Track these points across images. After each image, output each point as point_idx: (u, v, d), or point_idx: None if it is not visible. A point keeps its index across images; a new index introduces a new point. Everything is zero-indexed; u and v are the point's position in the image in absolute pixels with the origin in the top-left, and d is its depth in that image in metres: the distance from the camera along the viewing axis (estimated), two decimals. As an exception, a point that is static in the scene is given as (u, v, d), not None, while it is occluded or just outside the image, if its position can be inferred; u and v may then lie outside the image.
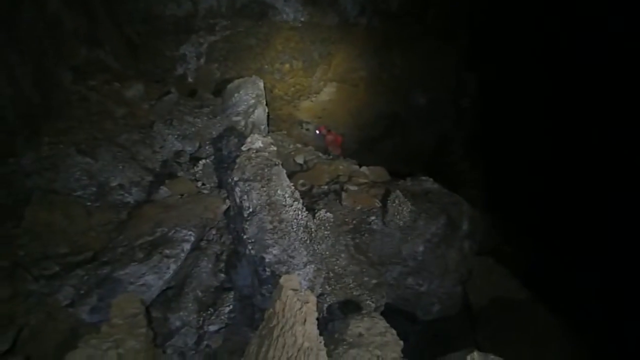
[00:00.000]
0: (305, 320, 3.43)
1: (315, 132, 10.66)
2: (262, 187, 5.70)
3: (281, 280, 3.76)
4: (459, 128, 11.31)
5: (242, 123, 8.42)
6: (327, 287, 5.58)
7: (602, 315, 6.32)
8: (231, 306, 5.34)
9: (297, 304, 3.51)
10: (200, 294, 5.42)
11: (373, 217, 6.79)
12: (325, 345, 3.57)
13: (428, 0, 11.83)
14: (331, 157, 9.69)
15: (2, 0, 6.33)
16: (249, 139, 6.37)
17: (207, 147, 8.02)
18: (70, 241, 5.74)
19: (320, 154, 8.98)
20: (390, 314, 5.25)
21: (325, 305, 5.43)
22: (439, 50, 11.59)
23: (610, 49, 8.08)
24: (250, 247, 5.36)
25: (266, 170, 5.89)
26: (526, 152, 9.32)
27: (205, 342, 4.98)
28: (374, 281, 5.97)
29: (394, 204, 6.69)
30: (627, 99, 7.59)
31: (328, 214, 6.61)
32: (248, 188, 5.72)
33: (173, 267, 5.36)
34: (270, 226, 5.41)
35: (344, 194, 7.09)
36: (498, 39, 10.51)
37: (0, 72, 6.10)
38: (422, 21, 11.86)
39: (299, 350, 3.33)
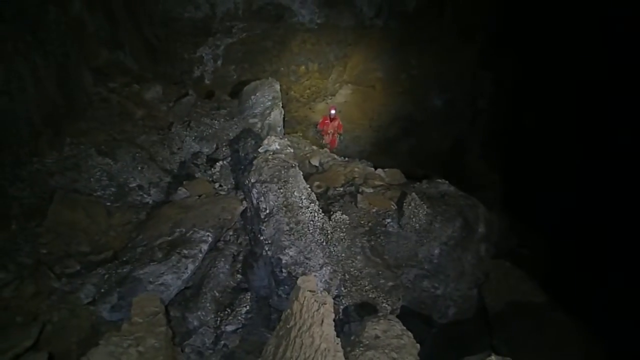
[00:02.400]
0: (322, 322, 3.46)
1: (330, 112, 10.21)
2: (279, 188, 5.75)
3: (299, 282, 3.80)
4: (475, 129, 11.25)
5: (259, 125, 8.49)
6: (343, 289, 5.59)
7: (621, 319, 6.22)
8: (248, 307, 5.39)
9: (315, 305, 3.54)
10: (217, 294, 5.49)
11: (389, 220, 6.80)
12: (342, 347, 3.59)
13: (445, 1, 11.78)
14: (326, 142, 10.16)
15: (28, 2, 6.48)
16: (265, 141, 6.43)
17: (224, 149, 8.12)
18: (92, 240, 5.87)
19: (336, 157, 9.01)
20: (406, 316, 5.22)
21: (342, 307, 5.44)
22: (455, 51, 11.56)
23: (631, 47, 7.96)
24: (267, 248, 5.41)
25: (283, 172, 5.93)
26: (543, 153, 9.22)
27: (222, 342, 5.03)
28: (390, 283, 5.96)
29: (410, 207, 6.69)
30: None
31: (344, 216, 6.63)
32: (265, 190, 5.77)
33: (191, 267, 5.43)
34: (287, 227, 5.45)
35: (359, 196, 7.11)
36: (515, 38, 10.42)
37: (25, 73, 6.24)
38: (439, 22, 11.85)
39: (316, 351, 3.36)
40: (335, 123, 10.17)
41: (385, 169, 8.44)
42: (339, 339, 3.54)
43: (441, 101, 11.63)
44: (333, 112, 10.07)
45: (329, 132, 10.24)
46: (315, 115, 11.44)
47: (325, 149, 9.96)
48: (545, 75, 9.66)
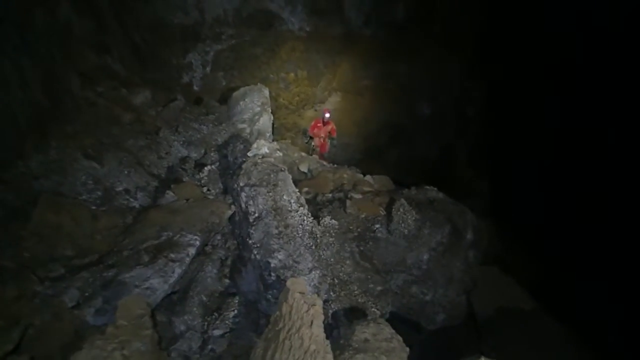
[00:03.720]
0: (312, 323, 3.42)
1: (324, 115, 9.86)
2: (268, 192, 5.72)
3: (288, 283, 3.76)
4: (463, 137, 11.33)
5: (248, 130, 8.48)
6: (332, 293, 5.56)
7: (608, 323, 6.27)
8: (236, 311, 5.33)
9: (304, 307, 3.51)
10: (205, 298, 5.42)
11: (378, 225, 6.79)
12: (331, 350, 3.55)
13: (433, 10, 11.93)
14: (316, 146, 9.95)
15: (14, 4, 6.41)
16: (254, 145, 6.42)
17: (212, 154, 8.07)
18: (76, 244, 5.75)
19: (325, 163, 9.01)
20: (395, 322, 5.19)
21: (331, 311, 5.40)
22: (443, 60, 11.68)
23: (614, 54, 8.14)
24: (255, 252, 5.36)
25: (272, 175, 5.92)
26: (530, 161, 9.32)
27: (209, 346, 4.96)
28: (379, 288, 5.94)
29: (399, 212, 6.69)
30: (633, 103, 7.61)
31: (333, 221, 6.61)
32: (254, 193, 5.74)
33: (178, 271, 5.36)
34: (276, 231, 5.41)
35: (348, 202, 7.10)
36: (502, 48, 10.57)
37: (12, 75, 6.15)
38: (427, 31, 11.97)
39: (305, 352, 3.31)
40: (329, 127, 9.95)
41: (374, 176, 8.47)
42: (328, 341, 3.50)
43: (429, 109, 11.72)
44: (327, 115, 9.82)
45: (320, 136, 10.00)
46: (304, 122, 11.45)
47: (314, 155, 9.95)
48: (533, 84, 9.79)
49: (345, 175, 8.18)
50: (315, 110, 11.85)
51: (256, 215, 5.64)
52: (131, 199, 6.79)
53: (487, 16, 10.97)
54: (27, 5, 6.74)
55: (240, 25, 11.88)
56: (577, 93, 8.68)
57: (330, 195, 7.53)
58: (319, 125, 9.86)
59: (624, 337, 5.97)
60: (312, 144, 10.24)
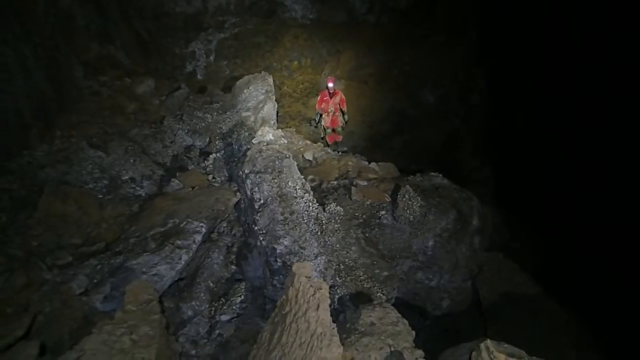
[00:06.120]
0: (318, 307, 3.44)
1: (328, 84, 8.94)
2: (273, 179, 5.74)
3: (294, 268, 3.78)
4: (468, 124, 11.27)
5: (252, 118, 8.46)
6: (338, 278, 5.57)
7: (613, 309, 6.27)
8: (242, 297, 5.36)
9: (311, 290, 3.53)
10: (211, 284, 5.45)
11: (383, 212, 6.79)
12: (337, 333, 3.57)
13: (437, -3, 11.85)
14: (325, 137, 9.50)
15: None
16: (259, 132, 6.43)
17: (217, 142, 8.08)
18: (83, 232, 5.80)
19: (330, 150, 8.98)
20: (400, 308, 5.22)
21: (337, 296, 5.42)
22: (447, 46, 11.59)
23: (617, 42, 8.06)
24: (261, 238, 5.39)
25: (277, 162, 5.92)
26: (535, 147, 9.28)
27: (217, 331, 5.00)
28: (385, 273, 5.94)
29: (404, 199, 6.68)
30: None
31: (338, 207, 6.61)
32: (259, 180, 5.75)
33: (185, 257, 5.38)
34: (282, 217, 5.43)
35: (353, 189, 7.10)
36: (507, 33, 10.48)
37: (15, 65, 6.16)
38: (431, 17, 11.88)
39: (312, 335, 3.33)
40: (337, 98, 9.06)
41: (379, 163, 8.44)
42: (334, 324, 3.52)
43: (434, 97, 11.63)
44: (331, 84, 8.90)
45: (329, 110, 9.16)
46: (309, 110, 11.39)
47: (327, 137, 9.69)
48: (537, 71, 9.72)
49: (350, 163, 8.17)
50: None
51: (261, 202, 5.65)
52: (137, 188, 6.82)
53: (492, 1, 10.86)
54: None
55: (243, 13, 11.83)
56: (581, 79, 8.61)
57: (335, 182, 7.52)
58: (325, 98, 9.06)
59: (628, 322, 5.97)
60: (322, 123, 9.50)
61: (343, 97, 9.22)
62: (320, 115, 9.41)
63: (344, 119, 9.55)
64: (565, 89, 9.11)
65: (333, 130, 9.67)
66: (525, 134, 9.77)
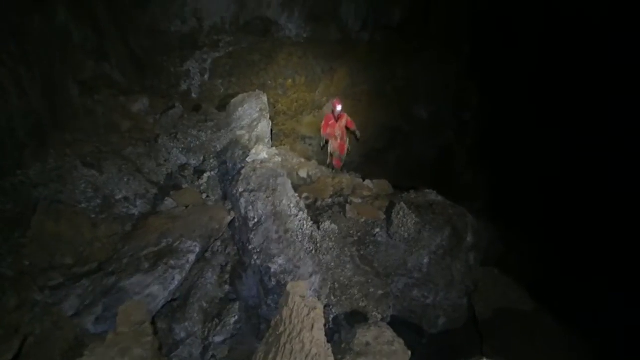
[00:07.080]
0: (313, 327, 3.42)
1: (336, 107, 8.49)
2: (268, 197, 5.73)
3: (288, 287, 3.76)
4: (461, 139, 11.36)
5: (246, 136, 8.47)
6: (332, 297, 5.54)
7: (608, 324, 6.27)
8: (237, 317, 5.32)
9: (305, 310, 3.51)
10: (205, 305, 5.41)
11: (378, 229, 6.79)
12: (332, 354, 3.54)
13: (429, 13, 11.99)
14: (331, 162, 9.27)
15: (12, 12, 6.43)
16: (253, 150, 6.43)
17: (211, 160, 8.08)
18: (76, 252, 5.75)
19: (324, 168, 9.00)
20: (396, 326, 5.20)
21: (332, 316, 5.39)
22: (441, 62, 11.72)
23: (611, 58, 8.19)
24: (255, 257, 5.36)
25: (271, 180, 5.92)
26: (529, 162, 9.34)
27: (211, 353, 4.95)
28: (380, 292, 5.92)
29: (399, 216, 6.69)
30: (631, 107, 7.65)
31: (333, 225, 6.60)
32: (253, 198, 5.74)
33: (178, 278, 5.34)
34: (276, 236, 5.41)
35: (348, 207, 7.10)
36: (500, 49, 10.61)
37: (9, 83, 6.15)
38: (424, 34, 12.02)
39: (306, 356, 3.31)
40: (343, 122, 8.64)
41: (374, 180, 8.46)
42: (329, 344, 3.49)
43: (427, 112, 11.73)
44: (339, 108, 8.50)
45: (336, 134, 8.69)
46: (303, 128, 11.44)
47: (333, 160, 9.34)
48: (530, 86, 9.83)
49: (344, 180, 8.19)
50: (314, 116, 11.84)
51: (256, 220, 5.64)
52: (131, 207, 6.79)
53: (484, 17, 11.02)
54: (23, 12, 6.76)
55: (238, 32, 11.91)
56: (574, 94, 8.72)
57: (329, 200, 7.52)
58: (331, 122, 8.63)
59: (625, 336, 5.96)
60: (329, 148, 9.06)
61: (349, 118, 8.81)
62: (327, 142, 9.04)
63: (356, 136, 9.10)
64: (559, 103, 9.22)
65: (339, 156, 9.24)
66: (518, 148, 9.85)
